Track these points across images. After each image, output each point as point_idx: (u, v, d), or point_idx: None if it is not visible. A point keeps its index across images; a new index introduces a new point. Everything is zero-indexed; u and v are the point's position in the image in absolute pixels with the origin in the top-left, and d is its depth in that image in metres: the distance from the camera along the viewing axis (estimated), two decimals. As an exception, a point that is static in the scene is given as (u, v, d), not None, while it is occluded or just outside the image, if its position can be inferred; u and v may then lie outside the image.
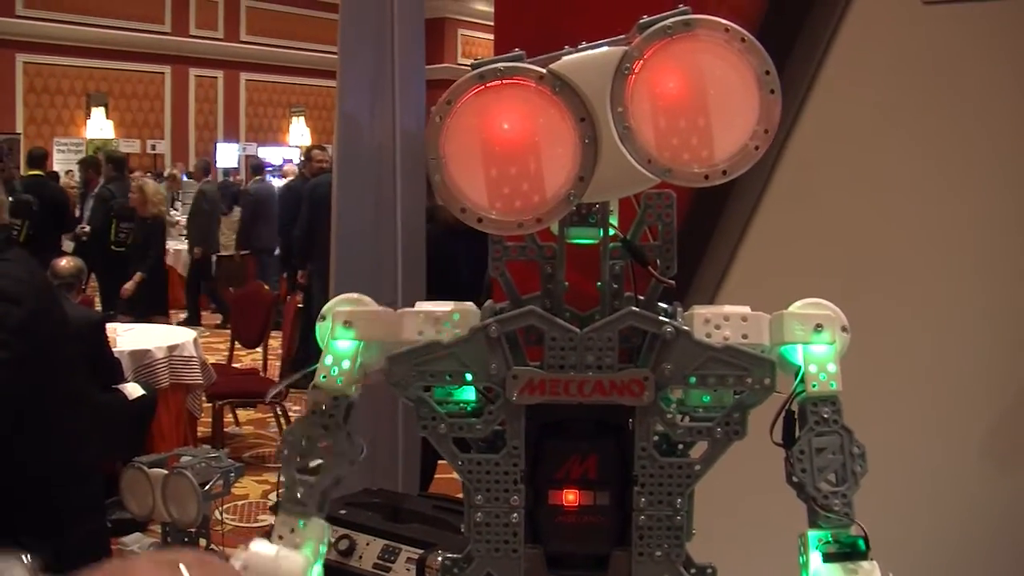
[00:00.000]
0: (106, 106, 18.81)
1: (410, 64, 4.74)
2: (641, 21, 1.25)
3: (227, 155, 20.01)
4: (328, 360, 1.40)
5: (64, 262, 6.42)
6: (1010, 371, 2.88)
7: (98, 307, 10.03)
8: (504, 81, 1.25)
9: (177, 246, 13.20)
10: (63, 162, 17.16)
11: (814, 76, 3.01)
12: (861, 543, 1.37)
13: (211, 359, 7.67)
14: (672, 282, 1.45)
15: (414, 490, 4.61)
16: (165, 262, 11.29)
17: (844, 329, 1.40)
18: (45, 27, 17.77)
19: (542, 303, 1.41)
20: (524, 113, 1.25)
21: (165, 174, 16.36)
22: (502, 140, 1.25)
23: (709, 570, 1.40)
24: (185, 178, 15.89)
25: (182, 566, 0.97)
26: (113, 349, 5.83)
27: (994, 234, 2.88)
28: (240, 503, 6.38)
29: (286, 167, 16.84)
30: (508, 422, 1.34)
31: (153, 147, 19.78)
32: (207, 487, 2.25)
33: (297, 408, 7.10)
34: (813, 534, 1.38)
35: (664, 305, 1.45)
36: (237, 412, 8.07)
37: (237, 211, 13.20)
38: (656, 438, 1.36)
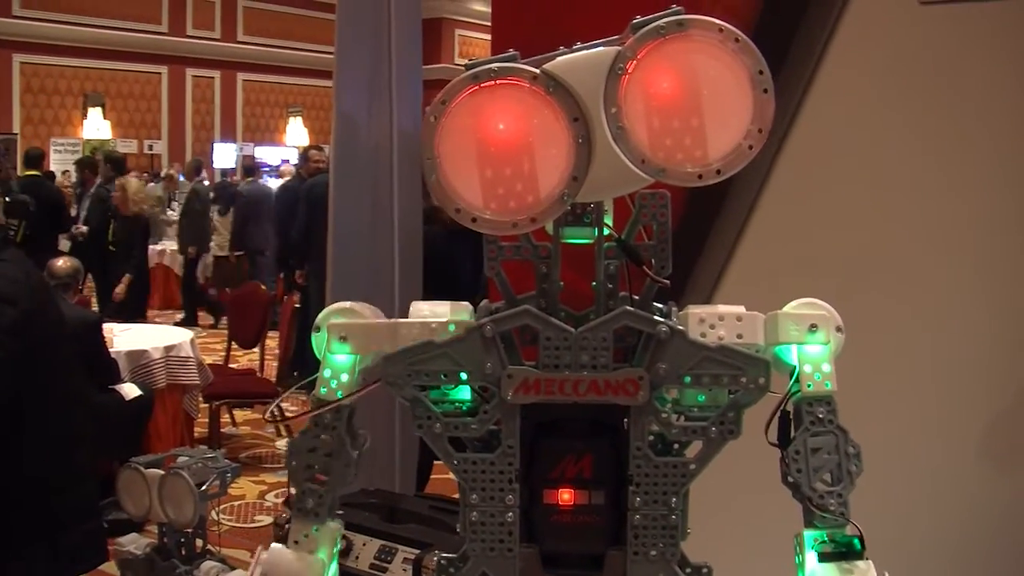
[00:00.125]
0: (103, 106, 18.82)
1: (407, 64, 4.74)
2: (634, 21, 1.25)
3: (224, 155, 20.01)
4: (327, 373, 1.41)
5: (61, 262, 6.41)
6: (1010, 370, 2.88)
7: (95, 307, 10.04)
8: (498, 81, 1.25)
9: (173, 246, 13.22)
10: (60, 162, 17.17)
11: (811, 76, 3.01)
12: (857, 543, 1.37)
13: (208, 359, 7.67)
14: (667, 282, 1.45)
15: (411, 490, 4.61)
16: (148, 263, 11.32)
17: (839, 329, 1.40)
18: (42, 27, 17.77)
19: (537, 303, 1.41)
20: (518, 113, 1.25)
21: (162, 174, 16.36)
22: (496, 140, 1.25)
23: (704, 569, 1.40)
24: (182, 178, 15.89)
25: None
26: (110, 349, 5.84)
27: (991, 233, 2.89)
28: (237, 503, 6.38)
29: (283, 167, 16.84)
30: (503, 421, 1.34)
31: (150, 147, 19.79)
32: (204, 487, 2.24)
33: (294, 408, 7.10)
34: (809, 534, 1.38)
35: (659, 305, 1.45)
36: (234, 412, 8.07)
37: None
38: (651, 437, 1.36)
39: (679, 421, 1.37)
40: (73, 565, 2.95)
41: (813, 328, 1.38)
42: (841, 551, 1.37)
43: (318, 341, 1.43)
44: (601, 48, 1.25)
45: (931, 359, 2.96)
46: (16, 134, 17.49)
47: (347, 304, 1.45)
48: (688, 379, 1.32)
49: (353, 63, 4.69)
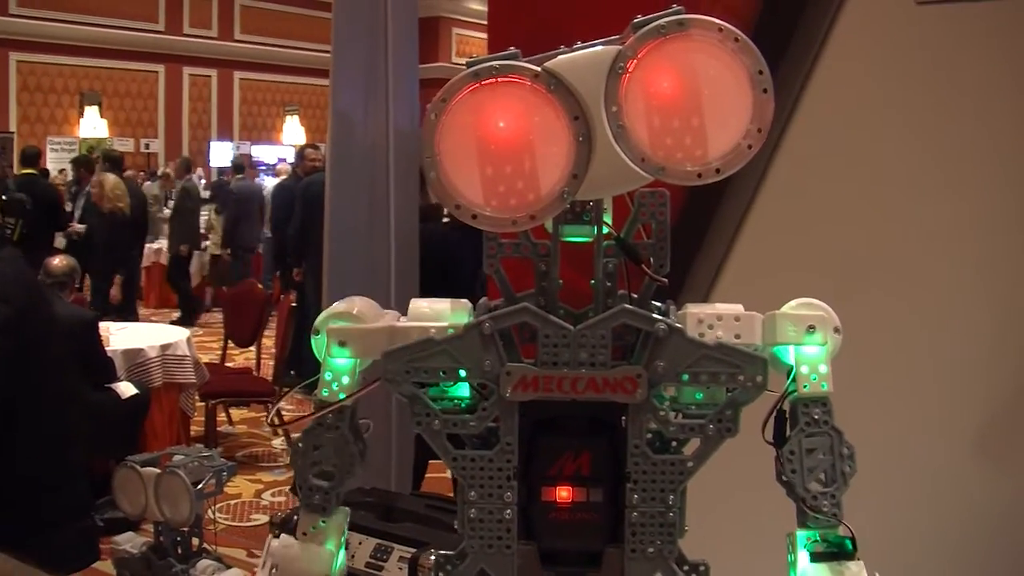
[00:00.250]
0: (100, 105, 18.80)
1: (404, 63, 4.75)
2: (635, 20, 1.25)
3: (221, 154, 19.99)
4: (327, 376, 1.42)
5: (57, 261, 6.41)
6: (1009, 369, 2.89)
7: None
8: (499, 79, 1.25)
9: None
10: (56, 161, 17.14)
11: (808, 75, 3.02)
12: (848, 544, 1.38)
13: (204, 358, 7.67)
14: (665, 280, 1.45)
15: (407, 489, 4.61)
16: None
17: (836, 330, 1.41)
18: (39, 26, 17.75)
19: (536, 300, 1.41)
20: (519, 111, 1.25)
21: (159, 173, 16.34)
22: (497, 138, 1.26)
23: (702, 567, 1.40)
24: (179, 177, 15.88)
25: None
26: (106, 348, 5.83)
27: (990, 232, 2.89)
28: (233, 502, 6.38)
29: (279, 166, 16.83)
30: (502, 419, 1.34)
31: (147, 146, 19.77)
32: (200, 486, 2.24)
33: (291, 407, 7.10)
34: (801, 534, 1.39)
35: (657, 303, 1.45)
36: (230, 411, 8.07)
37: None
38: (649, 435, 1.36)
39: (677, 419, 1.37)
40: (66, 563, 2.95)
41: (811, 329, 1.38)
42: (833, 551, 1.38)
43: (318, 344, 1.44)
44: (602, 47, 1.26)
45: (929, 357, 2.97)
46: (12, 132, 17.47)
47: (344, 306, 1.46)
48: (686, 377, 1.32)
49: (350, 62, 4.69)
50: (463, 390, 1.40)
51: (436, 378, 1.35)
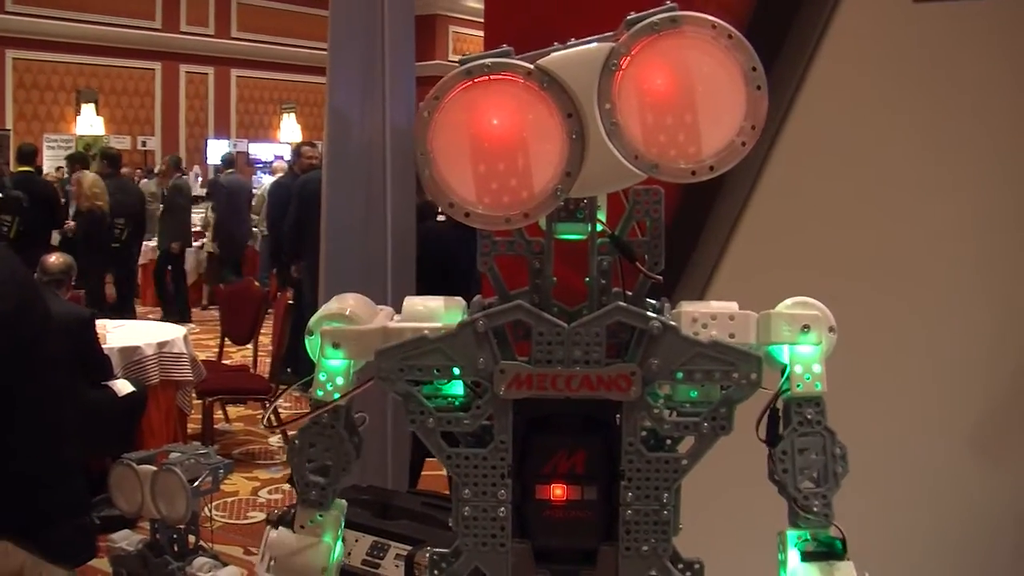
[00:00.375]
0: (96, 102, 18.76)
1: (401, 60, 4.74)
2: (629, 17, 1.25)
3: (218, 151, 19.95)
4: (322, 376, 1.43)
5: (54, 258, 6.39)
6: (1008, 368, 2.89)
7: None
8: (492, 77, 1.25)
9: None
10: (53, 158, 17.09)
11: (804, 73, 3.02)
12: (839, 544, 1.38)
13: (201, 356, 7.66)
14: (660, 278, 1.46)
15: (403, 487, 4.61)
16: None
17: (831, 330, 1.41)
18: (35, 23, 17.70)
19: (530, 298, 1.41)
20: (512, 109, 1.26)
21: (155, 170, 16.31)
22: (490, 136, 1.26)
23: (696, 565, 1.40)
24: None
25: None
26: (103, 345, 5.82)
27: (987, 230, 2.89)
28: (230, 500, 6.38)
29: (276, 163, 16.80)
30: (496, 417, 1.34)
31: (143, 144, 19.73)
32: (196, 483, 2.25)
33: (287, 405, 7.10)
34: (792, 533, 1.40)
35: (652, 301, 1.45)
36: (227, 409, 8.06)
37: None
38: (643, 433, 1.36)
39: (671, 417, 1.37)
40: (63, 561, 2.94)
41: (806, 329, 1.38)
42: (823, 551, 1.38)
43: (312, 345, 1.44)
44: (595, 44, 1.26)
45: (927, 356, 2.97)
46: (9, 130, 17.43)
47: (337, 307, 1.46)
48: (680, 375, 1.33)
49: (346, 59, 4.69)
50: (457, 388, 1.41)
51: (430, 376, 1.35)
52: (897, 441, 2.83)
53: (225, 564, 2.26)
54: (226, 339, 8.28)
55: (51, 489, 2.87)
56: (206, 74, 20.82)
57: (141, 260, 12.45)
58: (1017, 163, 2.84)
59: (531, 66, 1.25)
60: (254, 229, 13.57)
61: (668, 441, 1.39)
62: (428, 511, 3.11)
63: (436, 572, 1.40)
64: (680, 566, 1.38)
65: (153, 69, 19.92)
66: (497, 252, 1.46)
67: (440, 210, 1.33)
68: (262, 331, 8.07)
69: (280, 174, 12.77)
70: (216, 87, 21.02)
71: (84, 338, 5.36)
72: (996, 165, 2.87)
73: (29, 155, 11.50)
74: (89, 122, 18.57)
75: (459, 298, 1.46)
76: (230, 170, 13.93)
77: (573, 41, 1.27)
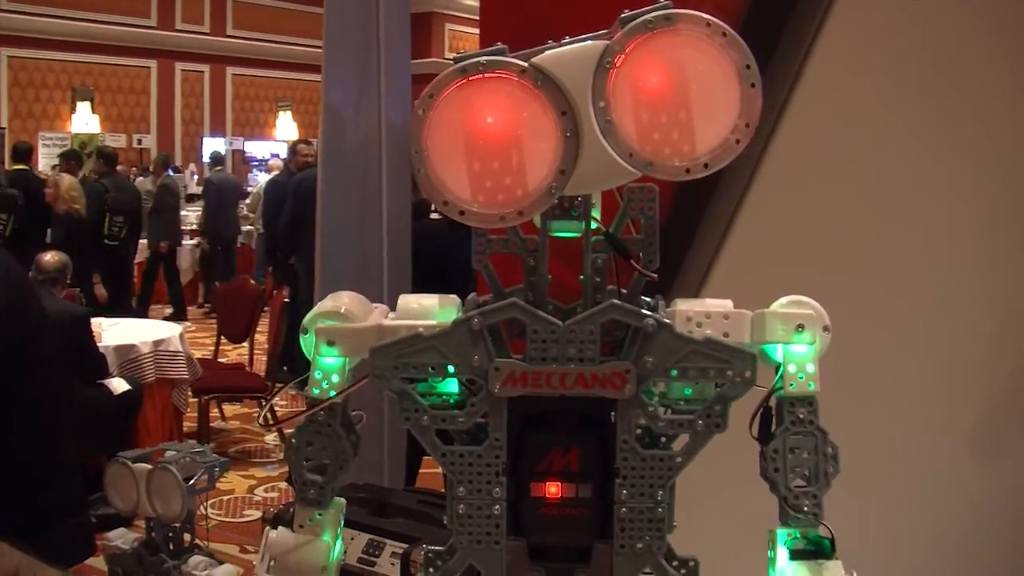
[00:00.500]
0: (92, 100, 18.75)
1: (396, 58, 4.74)
2: (623, 15, 1.25)
3: (213, 150, 19.94)
4: (318, 375, 1.42)
5: (49, 257, 6.39)
6: (1007, 368, 2.89)
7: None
8: (486, 75, 1.25)
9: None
10: (48, 156, 17.08)
11: (799, 70, 3.02)
12: (827, 543, 1.39)
13: (197, 354, 7.66)
14: (654, 276, 1.45)
15: (400, 485, 4.61)
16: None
17: (826, 329, 1.40)
18: (30, 21, 17.69)
19: (525, 296, 1.41)
20: (506, 107, 1.25)
21: (151, 168, 16.29)
22: (484, 133, 1.26)
23: (691, 563, 1.40)
24: (171, 172, 15.82)
25: None
26: (98, 344, 5.82)
27: (986, 229, 2.90)
28: (225, 498, 6.38)
29: (272, 162, 16.80)
30: (490, 414, 1.34)
31: (139, 142, 19.71)
32: (192, 482, 2.24)
33: (283, 403, 7.09)
34: (782, 531, 1.40)
35: (647, 299, 1.46)
36: (223, 407, 8.07)
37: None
38: (638, 431, 1.36)
39: (666, 414, 1.37)
40: (60, 559, 2.94)
41: (799, 328, 1.38)
42: (812, 550, 1.39)
43: (306, 343, 1.44)
44: (589, 42, 1.26)
45: (926, 356, 2.97)
46: (4, 128, 17.42)
47: (332, 305, 1.45)
48: (675, 372, 1.32)
49: (342, 57, 4.69)
50: (452, 386, 1.41)
51: (424, 374, 1.35)
52: (896, 441, 2.83)
53: (221, 562, 2.25)
54: (222, 337, 8.28)
55: (48, 488, 2.87)
56: (202, 72, 20.81)
57: (137, 258, 12.44)
58: (1015, 162, 2.85)
59: (525, 64, 1.25)
60: (250, 227, 13.58)
61: (663, 439, 1.39)
62: (424, 509, 3.12)
63: (431, 570, 1.40)
64: (675, 564, 1.38)
65: (149, 67, 19.91)
66: (492, 250, 1.46)
67: (434, 208, 1.33)
68: (258, 329, 8.07)
69: (276, 172, 12.77)
70: (212, 85, 21.01)
71: (80, 336, 5.36)
72: (994, 164, 2.87)
73: (24, 153, 11.50)
74: (85, 120, 18.56)
75: (454, 296, 1.46)
76: (219, 167, 13.93)
77: (567, 39, 1.27)
